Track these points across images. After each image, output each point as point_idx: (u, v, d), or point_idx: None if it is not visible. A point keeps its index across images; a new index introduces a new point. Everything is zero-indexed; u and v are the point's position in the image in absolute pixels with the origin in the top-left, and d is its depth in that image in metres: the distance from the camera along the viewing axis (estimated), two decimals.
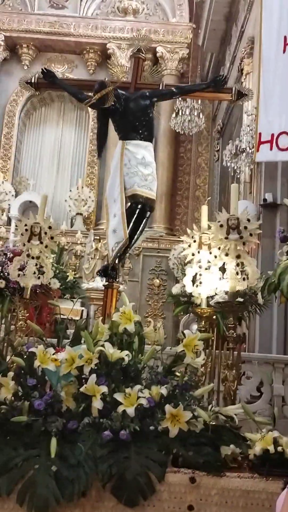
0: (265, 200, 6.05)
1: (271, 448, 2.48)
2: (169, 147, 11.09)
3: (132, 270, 10.44)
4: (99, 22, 11.46)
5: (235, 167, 7.01)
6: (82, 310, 8.77)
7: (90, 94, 3.67)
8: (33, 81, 3.83)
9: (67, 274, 8.91)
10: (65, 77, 9.93)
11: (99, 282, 7.80)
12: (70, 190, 11.35)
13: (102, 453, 2.49)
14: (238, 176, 7.19)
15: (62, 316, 5.27)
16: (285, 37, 5.59)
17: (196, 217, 10.46)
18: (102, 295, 3.69)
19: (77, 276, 9.36)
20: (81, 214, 11.19)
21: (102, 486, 2.43)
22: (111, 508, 2.42)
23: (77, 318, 7.77)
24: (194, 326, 4.57)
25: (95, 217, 11.28)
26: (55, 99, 11.98)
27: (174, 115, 9.32)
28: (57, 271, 7.93)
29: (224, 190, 9.95)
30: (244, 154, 6.64)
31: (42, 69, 3.89)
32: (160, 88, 3.88)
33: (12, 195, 11.10)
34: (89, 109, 9.90)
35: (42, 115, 12.22)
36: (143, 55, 3.96)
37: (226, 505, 2.41)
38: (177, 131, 9.62)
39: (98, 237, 9.37)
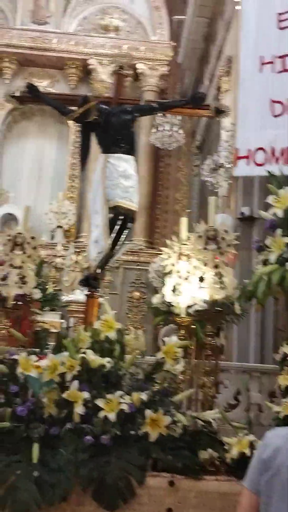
0: (242, 213, 6.19)
1: (247, 451, 2.56)
2: (149, 161, 11.23)
3: (112, 283, 10.47)
4: (80, 38, 11.61)
5: (214, 182, 7.16)
6: (62, 323, 8.75)
7: (73, 108, 3.77)
8: (18, 95, 3.92)
9: (47, 286, 8.89)
10: (47, 91, 10.01)
11: (79, 295, 7.82)
12: (51, 203, 11.38)
13: (83, 457, 2.54)
14: (216, 191, 7.34)
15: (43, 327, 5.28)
16: (261, 57, 5.78)
17: (175, 231, 10.55)
18: (82, 307, 3.75)
19: (57, 288, 9.34)
20: (61, 227, 11.22)
21: (83, 490, 2.48)
22: None
23: (57, 330, 7.76)
24: (174, 337, 4.64)
25: (75, 230, 11.32)
26: (36, 113, 12.04)
27: (154, 130, 9.48)
28: (38, 283, 7.92)
29: (203, 204, 10.10)
30: (222, 169, 6.80)
31: (27, 83, 3.98)
32: (141, 103, 4.02)
33: None
34: (70, 123, 9.97)
35: (23, 128, 12.27)
36: (125, 71, 4.08)
37: (204, 507, 2.48)
38: (156, 146, 9.76)
39: (78, 250, 9.40)
